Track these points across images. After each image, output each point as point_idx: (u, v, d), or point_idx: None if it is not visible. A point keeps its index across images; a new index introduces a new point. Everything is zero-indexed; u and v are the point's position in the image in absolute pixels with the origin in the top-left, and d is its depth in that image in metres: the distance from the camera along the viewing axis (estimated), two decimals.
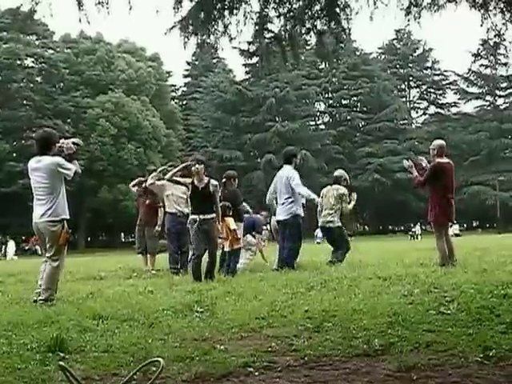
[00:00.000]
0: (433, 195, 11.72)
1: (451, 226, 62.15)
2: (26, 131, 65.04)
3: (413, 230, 64.80)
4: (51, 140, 9.10)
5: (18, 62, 66.08)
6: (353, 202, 14.04)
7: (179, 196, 13.36)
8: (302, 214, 12.86)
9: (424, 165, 12.24)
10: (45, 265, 9.03)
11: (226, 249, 12.59)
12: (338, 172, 14.38)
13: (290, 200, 12.69)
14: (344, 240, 13.78)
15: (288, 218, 12.72)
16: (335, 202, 13.48)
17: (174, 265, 13.35)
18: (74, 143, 9.29)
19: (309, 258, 14.82)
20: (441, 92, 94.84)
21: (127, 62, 70.42)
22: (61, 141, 9.21)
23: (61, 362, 4.19)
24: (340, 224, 13.58)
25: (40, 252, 49.21)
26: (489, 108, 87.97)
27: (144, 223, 14.88)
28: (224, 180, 13.39)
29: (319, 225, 13.90)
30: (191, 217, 11.52)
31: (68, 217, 8.99)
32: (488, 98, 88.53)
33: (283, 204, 12.81)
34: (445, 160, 11.79)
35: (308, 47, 10.93)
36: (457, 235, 60.11)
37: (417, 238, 55.05)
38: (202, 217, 11.25)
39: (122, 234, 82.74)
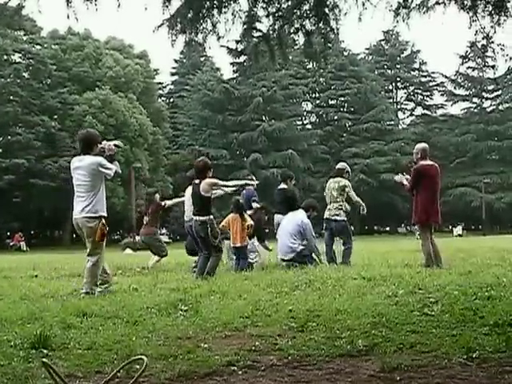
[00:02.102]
0: (417, 197, 11.75)
1: (455, 227, 61.86)
2: (12, 127, 64.72)
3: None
4: (93, 140, 9.56)
5: (5, 58, 65.62)
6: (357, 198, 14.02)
7: None
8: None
9: (405, 182, 12.23)
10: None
11: (237, 244, 12.80)
12: (340, 165, 14.38)
13: (298, 241, 12.98)
14: (350, 234, 13.86)
15: (293, 256, 12.94)
16: (337, 195, 13.49)
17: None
18: (115, 145, 9.72)
19: None
20: (428, 93, 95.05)
21: (115, 59, 70.09)
22: (103, 142, 9.63)
23: (44, 359, 4.17)
24: (345, 218, 13.62)
25: (24, 248, 49.72)
26: (475, 110, 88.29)
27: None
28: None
29: (324, 217, 13.88)
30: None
31: (106, 214, 9.33)
32: (475, 100, 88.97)
33: (289, 243, 13.06)
34: (428, 162, 11.84)
35: (296, 47, 10.93)
36: (460, 235, 60.43)
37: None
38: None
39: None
